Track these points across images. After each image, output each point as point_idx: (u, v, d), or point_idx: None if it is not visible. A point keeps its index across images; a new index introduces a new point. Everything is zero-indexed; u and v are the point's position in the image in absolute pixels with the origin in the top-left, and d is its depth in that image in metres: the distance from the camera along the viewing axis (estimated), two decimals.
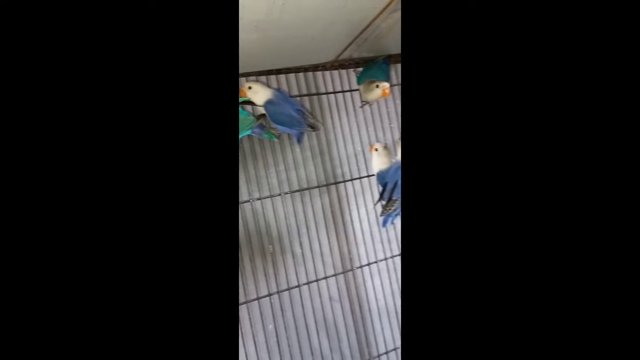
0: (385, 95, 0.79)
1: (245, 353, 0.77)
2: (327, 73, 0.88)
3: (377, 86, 0.78)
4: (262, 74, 0.82)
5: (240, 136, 0.77)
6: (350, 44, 0.78)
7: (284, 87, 0.84)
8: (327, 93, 0.88)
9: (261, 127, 0.79)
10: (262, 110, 0.76)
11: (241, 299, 0.78)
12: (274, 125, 0.78)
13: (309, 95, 0.87)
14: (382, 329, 0.91)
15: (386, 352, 0.90)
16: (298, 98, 0.83)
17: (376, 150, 0.82)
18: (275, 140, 0.82)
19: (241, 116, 0.75)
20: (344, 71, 0.90)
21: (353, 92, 0.91)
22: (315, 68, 0.86)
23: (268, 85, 0.79)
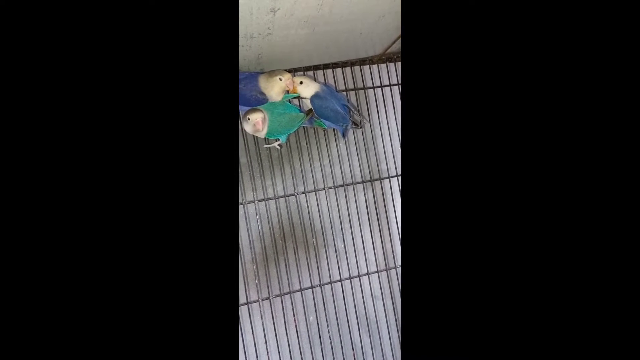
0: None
1: (288, 342, 0.79)
2: (374, 67, 0.87)
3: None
4: (309, 69, 0.83)
5: (292, 131, 0.78)
6: (398, 37, 0.76)
7: (331, 81, 0.84)
8: (373, 87, 0.87)
9: (310, 120, 0.80)
10: (309, 105, 0.77)
11: (285, 289, 0.80)
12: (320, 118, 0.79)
13: (356, 89, 0.86)
14: None
15: None
16: (344, 93, 0.83)
17: None
18: (325, 127, 0.83)
19: (293, 113, 0.76)
20: (391, 64, 0.88)
21: (400, 86, 0.89)
22: (362, 62, 0.85)
23: (316, 80, 0.80)
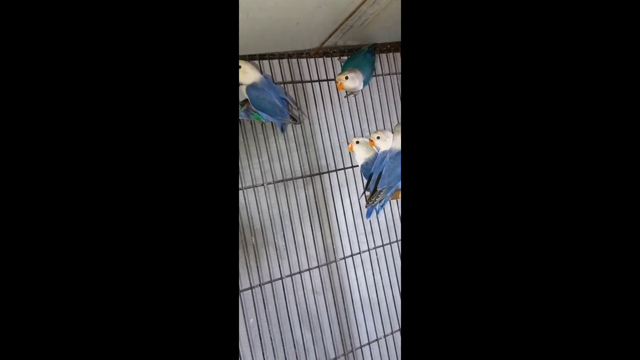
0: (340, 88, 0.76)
1: None
2: (312, 61, 0.86)
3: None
4: (243, 59, 0.79)
5: None
6: (335, 31, 0.76)
7: (268, 73, 0.81)
8: (311, 81, 0.86)
9: (247, 112, 0.76)
10: (245, 95, 0.73)
11: None
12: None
13: (293, 83, 0.84)
14: (365, 320, 0.92)
15: (368, 343, 0.90)
16: (282, 85, 0.80)
17: (357, 143, 0.81)
18: (263, 121, 0.79)
19: None
20: (328, 59, 0.87)
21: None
22: (299, 55, 0.83)
23: (259, 70, 0.76)
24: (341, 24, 0.73)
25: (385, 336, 0.91)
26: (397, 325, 0.92)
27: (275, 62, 0.81)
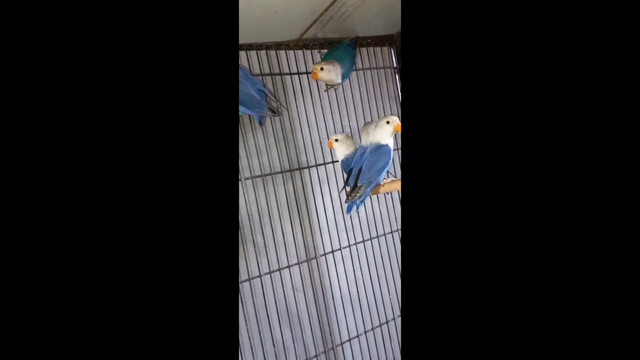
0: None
1: None
2: (291, 53, 0.84)
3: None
4: None
5: None
6: (314, 22, 0.74)
7: (245, 64, 0.78)
8: (290, 74, 0.84)
9: None
10: None
11: None
12: None
13: (272, 75, 0.82)
14: (345, 316, 0.91)
15: (349, 340, 0.89)
16: (260, 77, 0.78)
17: (336, 140, 0.80)
18: (240, 114, 0.76)
19: None
20: (308, 52, 0.86)
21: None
22: (278, 46, 0.81)
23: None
24: (320, 15, 0.71)
25: (365, 332, 0.91)
26: (377, 321, 0.92)
27: (253, 53, 0.78)
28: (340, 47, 0.81)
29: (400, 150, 0.97)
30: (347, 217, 0.90)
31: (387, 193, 0.95)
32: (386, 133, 0.74)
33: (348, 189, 0.76)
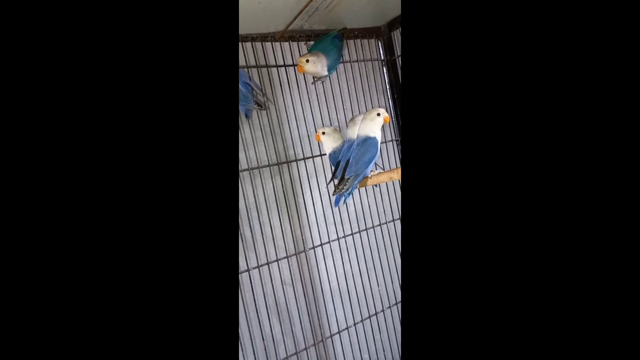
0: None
1: None
2: (277, 45, 0.83)
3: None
4: None
5: None
6: (300, 13, 0.73)
7: None
8: (277, 66, 0.83)
9: None
10: None
11: None
12: None
13: (258, 67, 0.81)
14: (335, 309, 0.91)
15: (338, 332, 0.90)
16: (246, 70, 0.77)
17: (323, 134, 0.79)
18: None
19: None
20: (294, 44, 0.85)
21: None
22: (264, 38, 0.79)
23: None
24: (306, 5, 0.70)
25: (355, 324, 0.91)
26: (367, 313, 0.93)
27: (238, 44, 0.77)
28: (327, 39, 0.81)
29: (388, 144, 0.97)
30: (336, 209, 0.90)
31: (376, 185, 0.95)
32: (375, 125, 0.74)
33: (336, 181, 0.76)
